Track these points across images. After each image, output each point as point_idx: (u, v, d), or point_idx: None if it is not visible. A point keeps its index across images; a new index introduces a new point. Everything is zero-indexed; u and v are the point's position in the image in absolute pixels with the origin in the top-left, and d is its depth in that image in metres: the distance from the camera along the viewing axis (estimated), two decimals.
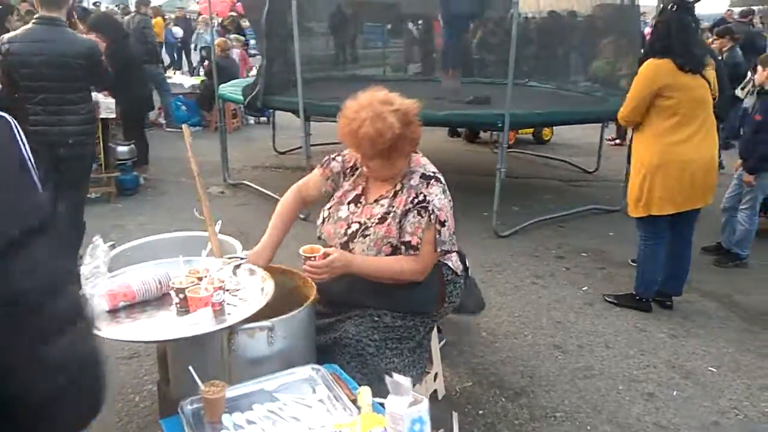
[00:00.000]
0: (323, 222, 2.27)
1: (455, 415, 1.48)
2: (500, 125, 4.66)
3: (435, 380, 2.73)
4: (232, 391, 1.74)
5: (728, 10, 13.74)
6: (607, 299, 3.89)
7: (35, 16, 3.61)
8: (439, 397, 2.74)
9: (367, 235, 2.12)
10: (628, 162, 4.04)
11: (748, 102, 7.53)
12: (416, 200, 2.09)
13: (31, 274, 0.68)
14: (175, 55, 14.57)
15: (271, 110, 6.61)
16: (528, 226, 5.16)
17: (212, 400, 1.66)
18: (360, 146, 2.02)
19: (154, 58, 8.10)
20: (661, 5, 3.70)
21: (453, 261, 2.35)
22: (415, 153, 2.19)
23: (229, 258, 2.30)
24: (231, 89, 6.10)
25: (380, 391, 1.81)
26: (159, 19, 12.85)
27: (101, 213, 5.16)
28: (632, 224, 5.35)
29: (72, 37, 3.68)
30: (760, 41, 9.09)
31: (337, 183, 2.30)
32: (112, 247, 2.44)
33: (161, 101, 8.64)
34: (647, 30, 7.23)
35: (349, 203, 2.21)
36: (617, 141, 8.40)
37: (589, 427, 2.65)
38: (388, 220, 2.11)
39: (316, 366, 1.93)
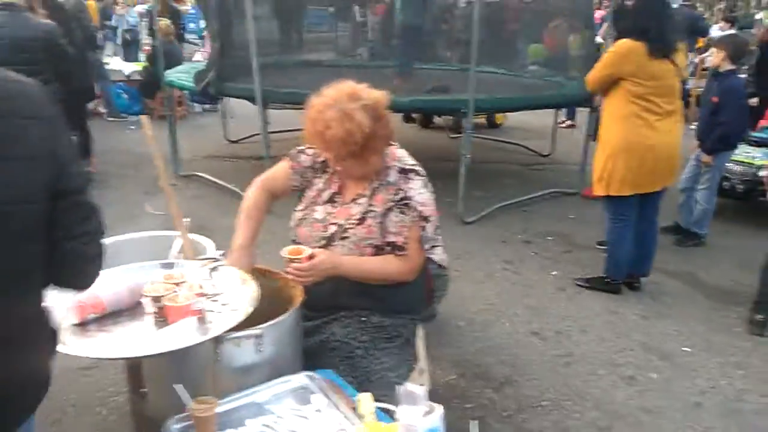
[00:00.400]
0: (297, 225, 2.11)
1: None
2: (464, 111, 4.58)
3: (420, 375, 2.64)
4: (221, 406, 1.59)
5: None
6: (578, 283, 3.91)
7: None
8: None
9: (346, 237, 1.99)
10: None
11: (691, 84, 7.77)
12: (397, 197, 1.97)
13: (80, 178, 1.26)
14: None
15: (213, 100, 6.32)
16: (492, 212, 5.14)
17: (203, 419, 1.51)
18: (329, 149, 1.86)
19: (91, 43, 7.63)
20: None
21: (437, 254, 2.25)
22: (390, 145, 2.06)
23: (204, 259, 2.13)
24: (179, 75, 5.79)
25: (370, 392, 1.72)
26: (92, 1, 12.15)
27: None
28: (592, 207, 5.48)
29: (28, 22, 3.74)
30: (701, 24, 9.37)
31: (306, 178, 2.13)
32: None
33: (101, 89, 8.17)
34: (598, 14, 7.32)
35: (324, 203, 2.05)
36: (569, 122, 8.51)
37: (576, 415, 2.63)
38: (368, 221, 1.97)
39: (310, 373, 1.80)
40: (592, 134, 6.22)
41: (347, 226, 1.98)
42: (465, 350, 3.09)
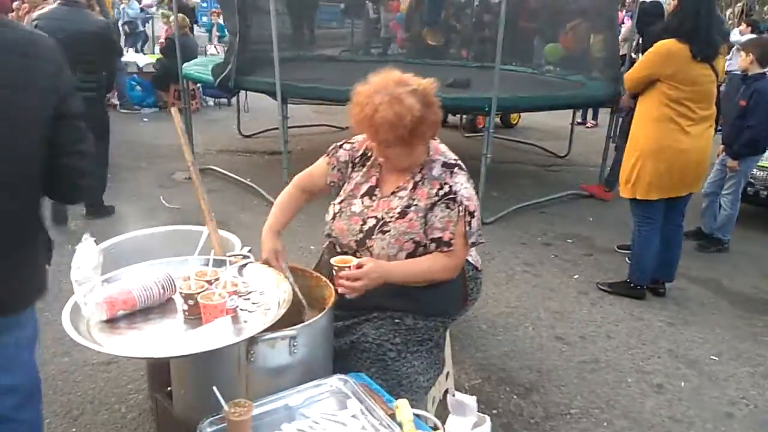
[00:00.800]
0: (333, 218, 2.05)
1: None
2: (487, 109, 4.52)
3: (447, 379, 2.59)
4: (254, 409, 1.54)
5: None
6: (601, 287, 3.84)
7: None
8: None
9: (386, 231, 1.93)
10: (624, 140, 3.98)
11: None
12: (442, 192, 1.91)
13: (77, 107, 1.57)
14: None
15: (236, 91, 6.26)
16: (510, 213, 5.08)
17: (238, 423, 1.46)
18: (377, 133, 1.81)
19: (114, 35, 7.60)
20: None
21: (473, 255, 2.21)
22: (433, 140, 2.00)
23: (232, 255, 2.08)
24: (197, 68, 5.74)
25: (399, 397, 1.66)
26: None
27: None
28: (610, 209, 5.44)
29: (88, 18, 4.25)
30: (722, 28, 9.24)
31: (344, 173, 2.08)
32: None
33: (115, 81, 8.13)
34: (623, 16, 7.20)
35: (362, 196, 2.00)
36: (592, 123, 8.46)
37: (605, 424, 2.57)
38: (410, 214, 1.92)
39: (343, 376, 1.75)
40: (613, 137, 6.19)
41: (387, 220, 1.93)
42: (489, 354, 3.03)
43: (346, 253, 2.02)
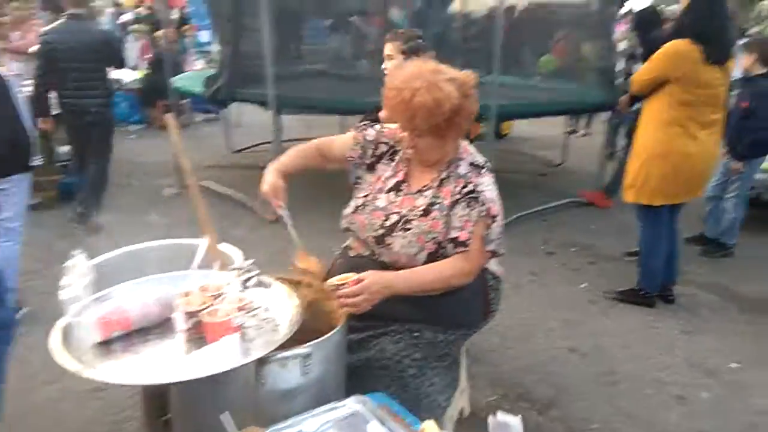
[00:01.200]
0: (355, 210, 1.92)
1: None
2: (485, 117, 4.42)
3: (461, 395, 2.45)
4: None
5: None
6: (610, 296, 3.73)
7: (66, 13, 4.46)
8: (466, 414, 2.46)
9: (408, 229, 1.81)
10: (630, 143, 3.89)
11: None
12: (465, 190, 1.79)
13: None
14: None
15: (223, 106, 6.11)
16: (511, 222, 4.95)
17: None
18: (413, 118, 1.69)
19: None
20: None
21: (494, 264, 2.08)
22: (463, 139, 1.89)
23: (235, 269, 1.93)
24: (187, 82, 5.60)
25: (418, 416, 1.51)
26: None
27: (43, 221, 4.58)
28: (612, 216, 5.35)
29: (93, 29, 4.67)
30: None
31: (365, 154, 1.95)
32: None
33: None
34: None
35: (388, 191, 1.88)
36: (584, 131, 8.45)
37: None
38: (434, 213, 1.80)
39: (362, 397, 1.60)
40: (610, 143, 6.13)
41: (410, 217, 1.81)
42: (503, 368, 2.90)
43: (361, 257, 1.90)
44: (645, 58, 3.56)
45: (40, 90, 4.38)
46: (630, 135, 4.40)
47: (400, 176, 1.89)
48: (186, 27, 12.55)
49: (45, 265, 3.65)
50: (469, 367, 2.82)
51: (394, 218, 1.83)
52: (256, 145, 7.36)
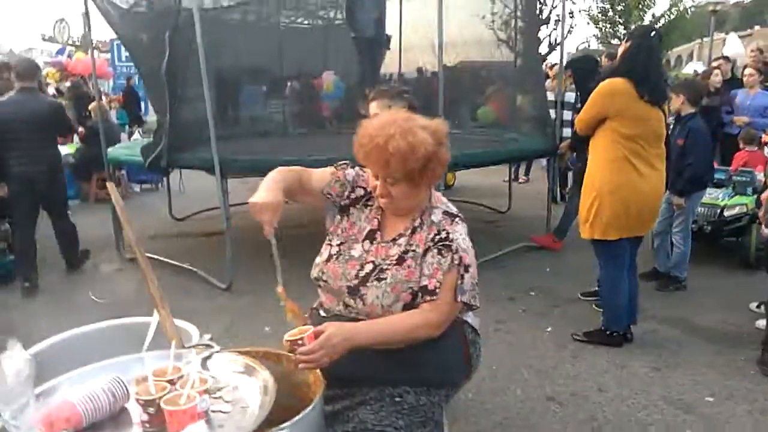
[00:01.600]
0: (328, 259, 1.81)
1: None
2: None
3: None
4: None
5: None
6: (577, 338, 3.68)
7: (17, 87, 4.80)
8: None
9: (383, 279, 1.72)
10: (578, 185, 3.98)
11: None
12: (438, 237, 1.73)
13: None
14: None
15: (165, 173, 5.93)
16: None
17: None
18: (388, 165, 1.64)
19: None
20: (634, 32, 3.71)
21: (471, 317, 1.99)
22: (435, 190, 1.84)
23: (194, 347, 1.76)
24: (124, 151, 5.40)
25: None
26: None
27: None
28: (565, 258, 5.40)
29: (42, 100, 4.99)
30: None
31: (342, 194, 1.86)
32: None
33: None
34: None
35: (363, 240, 1.81)
36: (524, 179, 8.64)
37: None
38: (408, 261, 1.72)
39: None
40: (554, 187, 6.28)
41: (384, 266, 1.73)
42: (483, 426, 2.76)
43: (330, 315, 1.77)
44: (584, 102, 3.67)
45: None
46: (578, 177, 4.50)
47: (374, 224, 1.82)
48: (112, 98, 12.37)
49: None
50: (450, 427, 2.67)
51: (368, 268, 1.75)
52: (200, 212, 7.16)
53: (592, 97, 3.41)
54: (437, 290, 1.68)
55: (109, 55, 14.57)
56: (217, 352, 1.71)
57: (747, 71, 6.64)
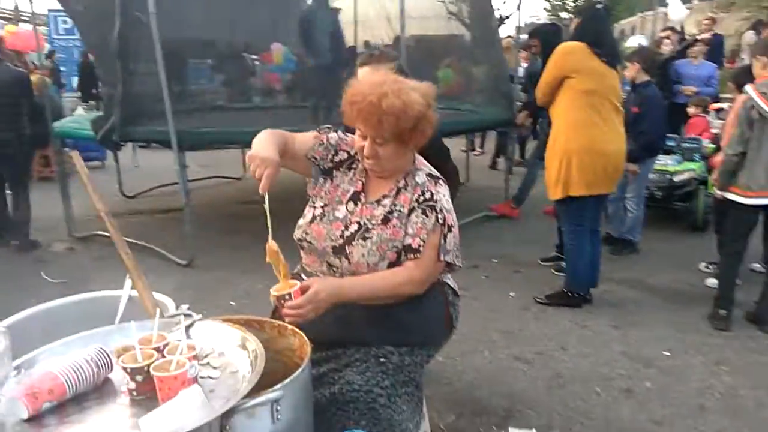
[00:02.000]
0: (312, 220, 1.80)
1: None
2: None
3: (423, 421, 2.33)
4: None
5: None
6: (540, 301, 3.79)
7: None
8: None
9: (368, 238, 1.73)
10: (540, 158, 4.07)
11: None
12: (422, 198, 1.75)
13: None
14: None
15: (117, 148, 5.70)
16: None
17: None
18: (381, 123, 1.62)
19: None
20: (581, 9, 4.01)
21: (450, 280, 2.02)
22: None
23: (174, 316, 1.72)
24: (72, 125, 5.16)
25: None
26: None
27: None
28: (523, 226, 5.52)
29: (9, 69, 4.98)
30: None
31: (325, 157, 1.85)
32: None
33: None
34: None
35: (347, 202, 1.80)
36: (480, 150, 8.75)
37: None
38: (393, 221, 1.74)
39: None
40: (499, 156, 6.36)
41: (370, 226, 1.74)
42: (454, 387, 2.82)
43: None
44: None
45: None
46: (542, 146, 4.60)
47: (358, 186, 1.82)
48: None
49: None
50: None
51: (353, 228, 1.75)
52: (152, 189, 6.96)
53: (548, 62, 3.53)
54: (421, 249, 1.71)
55: (46, 29, 13.79)
56: (199, 320, 1.69)
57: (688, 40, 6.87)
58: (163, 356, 1.40)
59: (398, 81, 1.69)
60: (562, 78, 3.44)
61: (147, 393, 1.36)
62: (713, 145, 5.13)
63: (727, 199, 3.42)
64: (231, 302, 3.81)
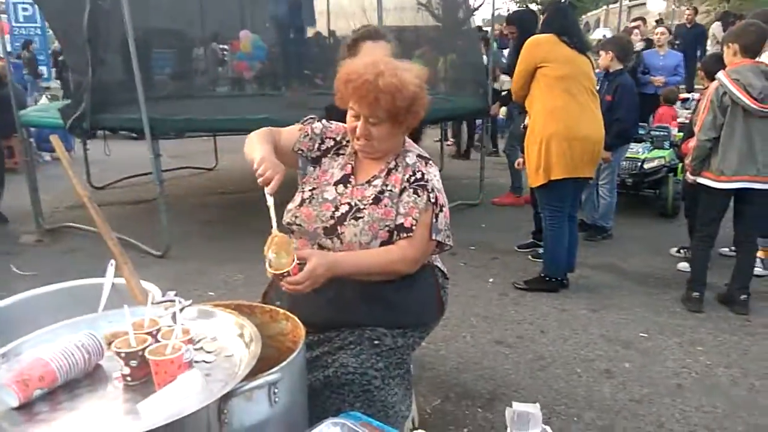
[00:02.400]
0: (301, 204, 1.80)
1: None
2: None
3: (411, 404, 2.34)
4: None
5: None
6: (518, 286, 3.84)
7: None
8: (416, 424, 2.36)
9: (360, 218, 1.73)
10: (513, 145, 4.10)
11: None
12: (413, 178, 1.75)
13: None
14: None
15: (87, 136, 5.54)
16: None
17: None
18: (377, 101, 1.62)
19: None
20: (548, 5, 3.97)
21: (440, 262, 2.03)
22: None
23: (163, 302, 1.69)
24: (38, 114, 5.00)
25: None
26: None
27: None
28: (499, 214, 5.57)
29: None
30: None
31: (312, 147, 1.86)
32: None
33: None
34: None
35: (336, 184, 1.80)
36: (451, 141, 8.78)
37: (575, 419, 2.48)
38: (384, 200, 1.74)
39: (338, 419, 1.45)
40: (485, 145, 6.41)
41: (361, 206, 1.73)
42: (438, 371, 2.84)
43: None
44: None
45: None
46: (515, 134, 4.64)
47: (347, 169, 1.82)
48: None
49: None
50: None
51: (344, 208, 1.75)
52: (121, 180, 6.82)
53: (519, 56, 3.61)
54: (413, 227, 1.71)
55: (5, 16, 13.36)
56: (189, 305, 1.66)
57: (658, 30, 7.00)
58: (157, 341, 1.37)
59: (392, 61, 1.69)
60: (535, 68, 3.50)
61: (142, 378, 1.33)
62: (681, 133, 5.25)
63: (699, 184, 3.50)
64: (210, 292, 3.76)
